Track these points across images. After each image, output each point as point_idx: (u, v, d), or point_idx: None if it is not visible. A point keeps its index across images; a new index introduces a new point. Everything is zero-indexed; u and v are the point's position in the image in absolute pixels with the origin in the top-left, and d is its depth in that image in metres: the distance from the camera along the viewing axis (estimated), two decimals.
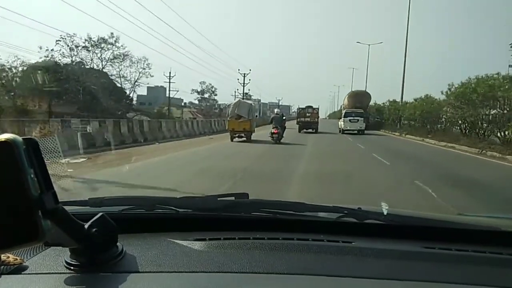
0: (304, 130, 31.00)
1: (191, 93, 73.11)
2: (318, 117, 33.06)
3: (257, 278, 0.96)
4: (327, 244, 1.14)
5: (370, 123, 40.01)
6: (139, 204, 1.35)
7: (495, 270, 1.05)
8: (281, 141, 18.07)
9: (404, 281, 0.97)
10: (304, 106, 33.23)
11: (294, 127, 32.27)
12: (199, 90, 73.56)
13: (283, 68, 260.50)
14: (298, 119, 32.81)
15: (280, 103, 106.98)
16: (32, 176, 0.69)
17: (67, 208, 0.82)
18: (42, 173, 0.71)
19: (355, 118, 31.27)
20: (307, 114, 32.06)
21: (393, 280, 0.97)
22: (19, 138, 0.69)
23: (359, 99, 42.38)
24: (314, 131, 30.83)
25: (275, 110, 21.36)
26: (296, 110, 37.87)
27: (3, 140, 0.68)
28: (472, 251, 1.13)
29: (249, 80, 58.06)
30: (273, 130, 17.87)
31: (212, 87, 73.62)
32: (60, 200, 0.76)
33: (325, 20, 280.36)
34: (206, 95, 75.11)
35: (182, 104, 76.45)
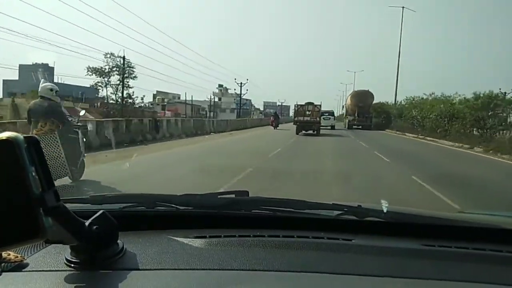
0: (303, 132, 26.38)
1: (87, 75, 43.24)
2: (321, 116, 28.49)
3: (257, 275, 0.96)
4: (327, 242, 1.15)
5: (372, 122, 40.26)
6: (139, 201, 1.35)
7: (495, 267, 1.06)
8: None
9: (404, 279, 0.97)
10: (303, 103, 27.72)
11: (292, 128, 27.87)
12: (104, 67, 42.36)
13: (284, 67, 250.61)
14: (296, 119, 27.76)
15: (246, 92, 70.76)
16: (33, 174, 0.69)
17: (68, 205, 0.82)
18: (43, 171, 0.71)
19: (328, 116, 35.41)
20: (307, 113, 26.90)
21: (393, 278, 0.97)
22: (20, 136, 0.69)
23: (361, 98, 42.60)
24: (315, 132, 26.22)
25: (42, 83, 6.89)
26: (294, 108, 30.03)
27: (4, 138, 0.68)
28: (472, 249, 1.13)
29: None
30: None
31: (129, 63, 41.24)
32: (61, 198, 0.76)
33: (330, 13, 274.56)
34: (115, 78, 42.61)
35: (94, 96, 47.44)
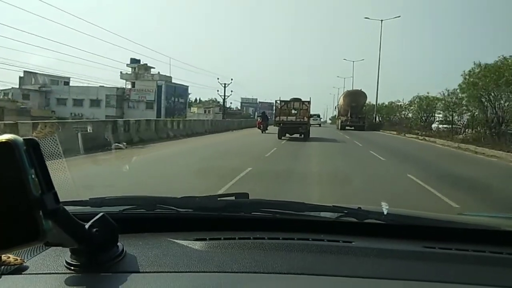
0: (288, 136, 20.39)
1: None
2: (309, 115, 21.63)
3: (258, 278, 0.96)
4: (327, 244, 1.14)
5: (366, 123, 40.10)
6: (139, 204, 1.35)
7: (496, 269, 1.06)
8: None
9: (404, 281, 0.97)
10: (288, 99, 21.46)
11: (274, 131, 22.12)
12: None
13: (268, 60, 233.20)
14: (278, 118, 20.89)
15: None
16: (33, 176, 0.69)
17: (67, 208, 0.82)
18: (43, 173, 0.71)
19: (316, 118, 43.44)
20: (293, 111, 20.49)
21: (394, 280, 0.97)
22: (20, 139, 0.69)
23: (354, 98, 42.43)
24: (302, 136, 20.25)
25: None
26: (275, 105, 23.17)
27: (4, 140, 0.68)
28: (472, 251, 1.13)
29: None
30: None
31: None
32: (60, 200, 0.75)
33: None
34: None
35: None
